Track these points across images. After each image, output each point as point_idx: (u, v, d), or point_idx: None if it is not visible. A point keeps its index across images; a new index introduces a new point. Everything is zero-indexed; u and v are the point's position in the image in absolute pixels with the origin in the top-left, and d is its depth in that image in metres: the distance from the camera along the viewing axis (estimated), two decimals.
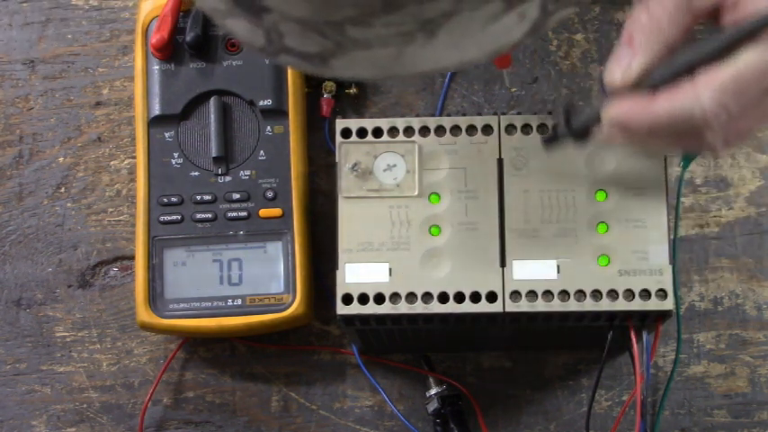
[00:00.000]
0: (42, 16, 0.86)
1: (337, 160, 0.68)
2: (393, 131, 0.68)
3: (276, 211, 0.78)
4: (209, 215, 0.78)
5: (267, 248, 0.78)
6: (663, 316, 0.67)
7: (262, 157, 0.79)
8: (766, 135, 0.82)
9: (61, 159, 0.84)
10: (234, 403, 0.80)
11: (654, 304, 0.65)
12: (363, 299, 0.66)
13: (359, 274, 0.67)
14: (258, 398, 0.80)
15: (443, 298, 0.66)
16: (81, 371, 0.81)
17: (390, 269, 0.67)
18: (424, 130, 0.68)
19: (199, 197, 0.78)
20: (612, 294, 0.66)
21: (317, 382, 0.80)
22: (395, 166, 0.68)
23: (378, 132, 0.68)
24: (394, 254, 0.67)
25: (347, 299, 0.66)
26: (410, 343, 0.75)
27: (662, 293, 0.66)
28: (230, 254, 0.78)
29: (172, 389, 0.81)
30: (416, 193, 0.68)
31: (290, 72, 0.79)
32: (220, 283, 0.77)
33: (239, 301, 0.77)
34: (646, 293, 0.66)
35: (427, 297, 0.66)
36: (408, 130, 0.68)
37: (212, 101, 0.79)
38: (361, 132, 0.68)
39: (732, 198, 0.81)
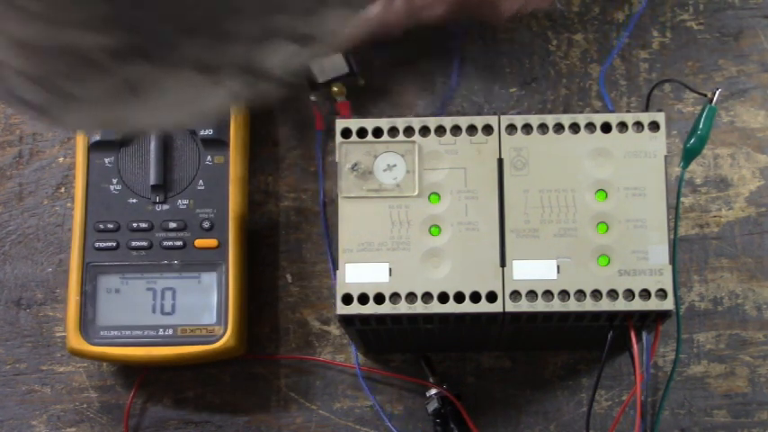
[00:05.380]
0: None
1: (337, 160, 0.68)
2: (393, 131, 0.68)
3: (212, 242, 0.78)
4: (145, 243, 0.78)
5: (201, 279, 0.77)
6: (663, 316, 0.67)
7: (200, 187, 0.78)
8: (766, 135, 0.82)
9: (61, 159, 0.84)
10: (234, 403, 0.80)
11: (654, 304, 0.65)
12: (363, 299, 0.66)
13: (359, 274, 0.67)
14: (258, 398, 0.80)
15: (443, 298, 0.66)
16: (81, 371, 0.81)
17: (390, 269, 0.67)
18: (424, 130, 0.68)
19: (135, 224, 0.78)
20: (612, 294, 0.66)
21: (317, 382, 0.80)
22: (395, 166, 0.68)
23: (378, 132, 0.68)
24: (394, 254, 0.67)
25: (347, 299, 0.66)
26: (410, 343, 0.75)
27: (662, 293, 0.66)
28: (164, 283, 0.77)
29: (172, 389, 0.81)
30: (416, 193, 0.67)
31: None
32: (153, 312, 0.77)
33: (170, 331, 0.77)
34: (646, 293, 0.66)
35: (427, 297, 0.66)
36: (408, 130, 0.68)
37: None
38: (361, 132, 0.68)
39: (732, 198, 0.81)
